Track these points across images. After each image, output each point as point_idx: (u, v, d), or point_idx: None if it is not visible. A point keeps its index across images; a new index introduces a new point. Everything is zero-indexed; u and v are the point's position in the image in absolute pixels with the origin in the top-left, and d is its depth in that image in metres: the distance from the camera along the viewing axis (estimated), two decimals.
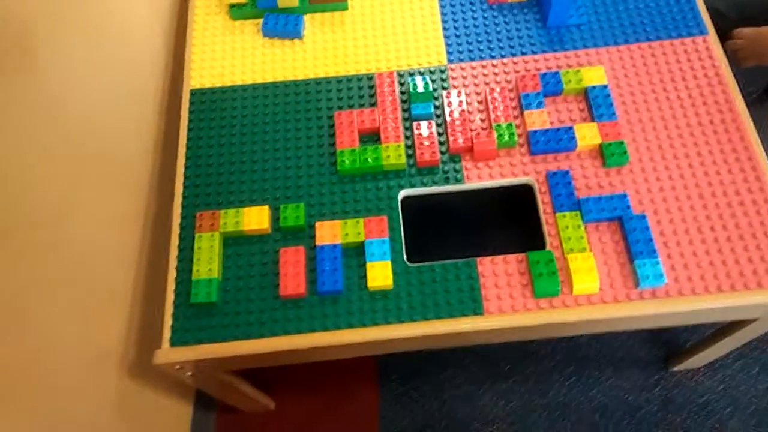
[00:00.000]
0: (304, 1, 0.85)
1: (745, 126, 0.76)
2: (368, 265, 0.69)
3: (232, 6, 0.85)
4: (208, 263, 0.70)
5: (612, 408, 1.02)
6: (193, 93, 0.82)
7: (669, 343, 1.07)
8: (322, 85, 0.82)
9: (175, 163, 0.78)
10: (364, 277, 0.69)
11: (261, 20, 0.85)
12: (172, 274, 0.71)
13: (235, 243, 0.72)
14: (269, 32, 0.84)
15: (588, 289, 0.67)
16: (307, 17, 0.86)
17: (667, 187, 0.73)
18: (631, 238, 0.69)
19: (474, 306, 0.68)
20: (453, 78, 0.81)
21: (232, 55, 0.84)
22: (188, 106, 0.81)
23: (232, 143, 0.78)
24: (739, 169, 0.73)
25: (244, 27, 0.86)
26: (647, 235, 0.69)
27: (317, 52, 0.84)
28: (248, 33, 0.86)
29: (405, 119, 0.78)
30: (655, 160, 0.74)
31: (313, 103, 0.80)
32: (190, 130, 0.79)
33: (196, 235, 0.71)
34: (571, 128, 0.75)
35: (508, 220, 0.74)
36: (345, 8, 0.86)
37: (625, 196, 0.71)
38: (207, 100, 0.81)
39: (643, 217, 0.70)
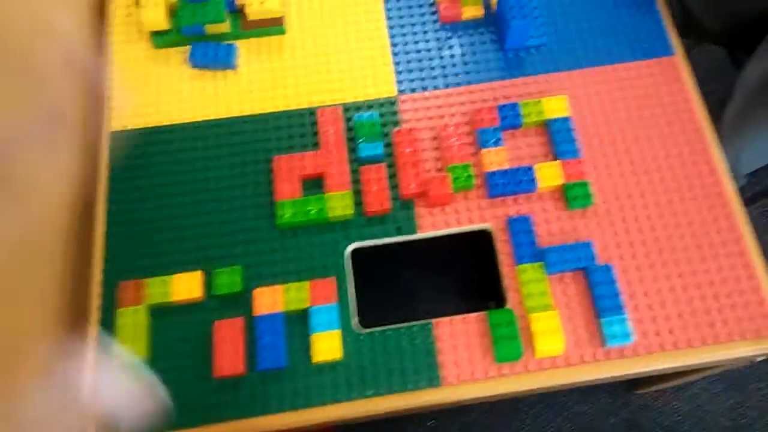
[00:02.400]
0: (236, 25, 0.76)
1: (715, 161, 0.71)
2: (313, 336, 0.63)
3: (153, 33, 0.75)
4: (133, 343, 0.62)
5: None
6: (114, 136, 0.73)
7: None
8: (259, 123, 0.73)
9: (93, 222, 0.69)
10: (310, 347, 0.63)
11: (188, 48, 0.75)
12: None
13: (164, 314, 0.65)
14: (198, 63, 0.75)
15: (552, 351, 0.63)
16: (240, 44, 0.77)
17: (633, 230, 0.68)
18: (597, 293, 0.64)
19: (431, 375, 0.62)
20: (404, 111, 0.74)
21: (157, 91, 0.75)
22: (108, 153, 0.72)
23: (158, 195, 0.70)
24: (709, 208, 0.69)
25: (170, 56, 0.77)
26: (613, 290, 0.64)
27: (253, 84, 0.75)
28: (174, 63, 0.76)
29: (352, 161, 0.71)
30: (621, 200, 0.69)
31: (249, 144, 0.72)
32: (111, 181, 0.71)
33: (118, 311, 0.63)
34: (531, 168, 0.69)
35: (468, 267, 0.68)
36: (282, 32, 0.78)
37: (589, 245, 0.66)
38: (130, 144, 0.72)
39: (609, 268, 0.65)
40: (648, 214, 0.69)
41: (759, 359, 0.67)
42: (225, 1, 0.75)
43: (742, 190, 0.96)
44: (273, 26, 0.76)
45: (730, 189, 0.70)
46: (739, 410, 1.03)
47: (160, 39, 0.76)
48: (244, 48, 0.77)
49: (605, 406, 1.02)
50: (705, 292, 0.65)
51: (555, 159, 0.70)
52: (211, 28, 0.75)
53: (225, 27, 0.75)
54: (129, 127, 0.73)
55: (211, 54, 0.74)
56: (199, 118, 0.74)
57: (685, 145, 0.72)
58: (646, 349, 0.63)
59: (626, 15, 0.79)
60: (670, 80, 0.75)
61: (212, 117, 0.74)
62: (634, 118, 0.73)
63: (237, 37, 0.77)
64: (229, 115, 0.74)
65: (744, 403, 1.04)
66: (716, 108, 0.74)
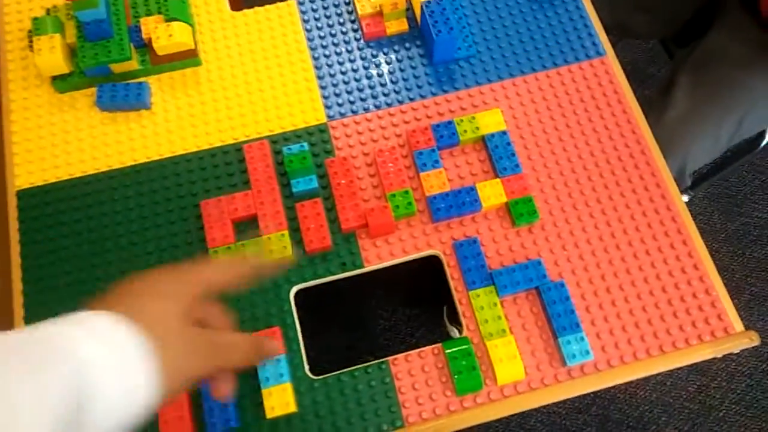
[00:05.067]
0: (146, 61, 0.71)
1: (656, 161, 0.70)
2: (264, 392, 0.58)
3: (54, 78, 0.69)
4: None
5: None
6: (20, 195, 0.66)
7: None
8: (182, 165, 0.68)
9: (11, 288, 0.63)
10: (262, 403, 0.59)
11: (95, 90, 0.69)
12: None
13: None
14: (106, 105, 0.69)
15: (513, 376, 0.60)
16: (152, 81, 0.71)
17: (582, 242, 0.66)
18: (552, 311, 0.62)
19: (392, 417, 0.59)
20: (336, 138, 0.70)
21: (65, 140, 0.69)
22: (17, 214, 0.66)
23: (76, 256, 0.64)
24: (654, 210, 0.68)
25: (75, 101, 0.70)
26: (568, 306, 0.62)
27: (170, 124, 0.70)
28: (81, 108, 0.70)
29: (287, 197, 0.67)
30: (567, 212, 0.67)
31: (173, 190, 0.67)
32: (23, 245, 0.64)
33: None
34: (473, 188, 0.66)
35: (419, 295, 0.65)
36: (198, 64, 0.72)
37: (540, 263, 0.64)
38: (40, 202, 0.66)
39: (562, 285, 0.63)
40: (594, 223, 0.67)
41: (720, 356, 0.66)
42: (130, 37, 0.69)
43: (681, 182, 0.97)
44: (186, 59, 0.71)
45: (672, 188, 0.69)
46: (704, 393, 1.04)
47: (63, 83, 0.69)
48: (156, 85, 0.72)
49: (575, 404, 1.02)
50: (658, 298, 0.64)
51: (496, 176, 0.68)
52: (118, 67, 0.69)
53: (133, 64, 0.69)
54: (37, 184, 0.67)
55: (121, 94, 0.68)
56: (115, 166, 0.68)
57: (624, 148, 0.71)
58: (607, 364, 0.62)
59: (554, 19, 0.77)
60: (604, 81, 0.74)
61: (129, 164, 0.68)
62: (572, 125, 0.72)
63: (148, 74, 0.71)
64: (147, 160, 0.68)
65: (709, 385, 1.05)
66: (642, 104, 0.73)
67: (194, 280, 0.46)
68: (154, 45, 0.68)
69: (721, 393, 1.03)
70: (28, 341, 0.35)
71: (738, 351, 0.64)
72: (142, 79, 0.71)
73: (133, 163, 0.68)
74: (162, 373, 0.39)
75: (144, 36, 0.70)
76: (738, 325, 0.63)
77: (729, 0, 0.96)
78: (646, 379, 1.02)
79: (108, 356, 0.36)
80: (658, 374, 1.05)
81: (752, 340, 0.63)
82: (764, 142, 1.04)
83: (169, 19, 0.70)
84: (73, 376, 0.34)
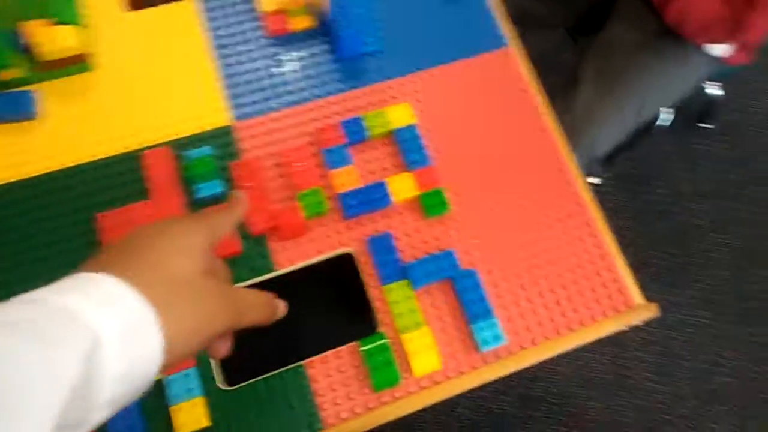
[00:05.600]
0: (31, 67, 0.66)
1: (558, 146, 0.72)
2: (173, 408, 0.57)
3: None
4: None
5: (477, 421, 1.01)
6: None
7: None
8: (75, 177, 0.64)
9: None
10: (172, 422, 0.57)
11: None
12: None
13: None
14: None
15: (429, 368, 0.61)
16: (39, 88, 0.67)
17: (491, 231, 0.68)
18: (465, 299, 0.63)
19: (310, 420, 0.59)
20: (242, 140, 0.68)
21: None
22: None
23: None
24: (558, 196, 0.70)
25: None
26: (479, 294, 0.64)
27: (61, 133, 0.66)
28: None
29: (191, 204, 0.65)
30: (476, 201, 0.69)
31: (66, 204, 0.63)
32: None
33: None
34: (383, 184, 0.67)
35: (333, 294, 0.65)
36: (88, 69, 0.69)
37: (451, 253, 0.65)
38: None
39: (473, 273, 0.64)
40: (503, 211, 0.69)
41: (626, 329, 0.70)
42: (10, 43, 0.64)
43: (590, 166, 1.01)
44: (76, 63, 0.67)
45: (575, 173, 0.72)
46: (618, 363, 1.10)
47: None
48: (45, 92, 0.67)
49: (500, 387, 1.05)
50: (565, 280, 0.67)
51: (406, 170, 0.68)
52: (2, 74, 0.64)
53: (16, 72, 0.65)
54: None
55: (5, 103, 0.64)
56: (1, 182, 0.63)
57: (529, 136, 0.73)
58: (519, 346, 0.64)
59: (458, 11, 0.78)
60: (507, 72, 0.76)
61: (15, 178, 0.63)
62: (479, 116, 0.73)
63: (38, 80, 0.67)
64: (36, 174, 0.64)
65: (622, 354, 1.11)
66: (549, 92, 0.76)
67: (204, 230, 0.41)
68: (38, 50, 0.64)
69: (634, 362, 1.09)
70: (38, 313, 0.32)
71: (640, 323, 0.68)
72: (29, 87, 0.66)
73: (19, 177, 0.64)
74: (178, 337, 0.35)
75: (27, 41, 0.65)
76: (638, 299, 0.67)
77: None
78: (564, 355, 1.06)
79: (118, 328, 0.33)
80: (574, 350, 1.10)
81: (651, 311, 0.67)
82: (661, 121, 1.10)
83: (55, 22, 0.66)
84: (86, 352, 0.31)
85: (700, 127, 1.40)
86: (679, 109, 1.21)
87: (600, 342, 1.09)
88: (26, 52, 0.66)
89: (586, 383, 1.05)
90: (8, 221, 0.62)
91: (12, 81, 0.66)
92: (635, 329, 1.14)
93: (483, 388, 1.04)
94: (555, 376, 1.06)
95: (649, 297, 0.67)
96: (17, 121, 0.65)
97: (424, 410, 0.99)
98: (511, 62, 0.77)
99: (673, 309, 1.16)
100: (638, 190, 1.28)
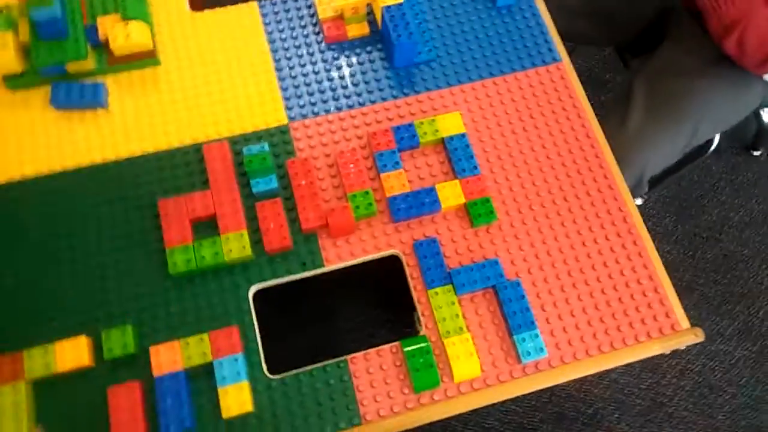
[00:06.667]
0: (103, 61, 0.70)
1: (608, 164, 0.72)
2: (221, 391, 0.58)
3: (5, 77, 0.67)
4: (15, 425, 0.55)
5: None
6: None
7: None
8: (139, 166, 0.68)
9: None
10: (219, 403, 0.58)
11: (49, 88, 0.68)
12: None
13: (49, 387, 0.58)
14: (62, 105, 0.68)
15: (470, 374, 0.62)
16: (109, 81, 0.70)
17: (537, 242, 0.68)
18: (508, 310, 0.64)
19: (350, 415, 0.60)
20: (297, 139, 0.71)
21: (17, 139, 0.67)
22: None
23: (31, 256, 0.63)
24: (607, 211, 0.70)
25: (29, 99, 0.69)
26: (524, 305, 0.64)
27: (128, 124, 0.69)
28: (35, 107, 0.69)
29: (246, 197, 0.67)
30: (523, 213, 0.69)
31: (130, 190, 0.66)
32: None
33: None
34: (432, 189, 0.68)
35: (379, 294, 0.66)
36: (157, 64, 0.72)
37: (496, 262, 0.65)
38: None
39: (518, 283, 0.65)
40: (550, 223, 0.69)
41: (668, 352, 0.69)
42: (86, 36, 0.68)
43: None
44: (145, 59, 0.70)
45: (624, 190, 0.71)
46: (655, 390, 1.08)
47: (15, 81, 0.68)
48: (114, 84, 0.71)
49: (532, 402, 1.04)
50: (610, 297, 0.66)
51: (455, 177, 0.69)
52: (73, 66, 0.68)
53: (89, 64, 0.68)
54: None
55: (76, 94, 0.67)
56: (70, 166, 0.67)
57: (579, 151, 0.73)
58: (560, 360, 0.64)
59: (511, 25, 0.79)
60: (559, 86, 0.76)
61: (85, 164, 0.67)
62: (528, 129, 0.74)
63: (105, 73, 0.70)
64: (104, 160, 0.67)
65: (659, 382, 1.09)
66: (600, 110, 0.76)
67: None
68: (111, 45, 0.67)
69: (671, 390, 1.07)
70: None
71: (684, 347, 0.67)
72: (98, 78, 0.70)
73: (89, 163, 0.67)
74: None
75: (101, 36, 0.69)
76: (684, 323, 0.66)
77: (682, 14, 1.00)
78: (600, 377, 1.05)
79: None
80: (611, 373, 1.09)
81: (697, 336, 0.66)
82: (713, 147, 1.08)
83: (127, 19, 0.70)
84: None
85: (751, 154, 1.37)
86: (730, 135, 1.19)
87: (637, 366, 1.08)
88: (100, 45, 0.70)
89: (620, 406, 1.03)
90: (76, 204, 0.65)
91: (84, 72, 0.69)
92: (675, 356, 1.12)
93: (516, 402, 1.04)
94: (590, 398, 1.04)
95: (691, 324, 0.66)
96: (88, 109, 0.69)
97: (455, 419, 0.99)
98: (564, 77, 0.77)
99: (715, 339, 1.14)
100: (684, 214, 1.26)
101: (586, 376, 1.04)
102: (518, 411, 1.02)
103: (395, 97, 0.74)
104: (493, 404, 1.02)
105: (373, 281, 0.71)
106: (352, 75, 0.75)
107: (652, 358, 1.04)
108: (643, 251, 0.68)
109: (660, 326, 0.65)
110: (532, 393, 1.02)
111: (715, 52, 0.92)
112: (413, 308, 0.65)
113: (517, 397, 1.02)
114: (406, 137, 0.70)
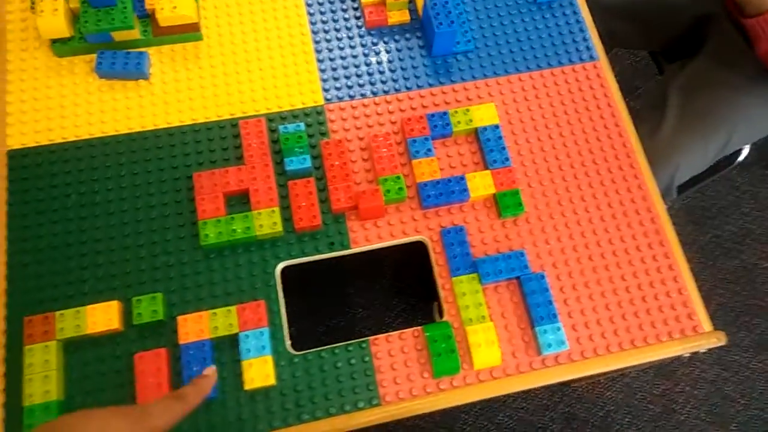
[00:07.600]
0: (147, 32, 0.71)
1: (639, 164, 0.72)
2: (244, 363, 0.59)
3: (54, 41, 0.69)
4: (43, 383, 0.57)
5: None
6: (12, 155, 0.66)
7: None
8: (176, 137, 0.69)
9: None
10: (242, 375, 0.60)
11: (94, 56, 0.69)
12: None
13: (78, 349, 0.60)
14: (106, 73, 0.69)
15: (490, 362, 0.62)
16: (152, 52, 0.72)
17: (564, 236, 0.68)
18: (531, 301, 0.64)
19: (369, 395, 0.61)
20: (332, 121, 0.71)
21: (61, 104, 0.69)
22: (6, 173, 0.66)
23: (66, 219, 0.64)
24: (635, 211, 0.70)
25: (74, 66, 0.70)
26: (547, 297, 0.64)
27: (168, 95, 0.70)
28: (79, 73, 0.70)
29: (279, 175, 0.68)
30: (551, 206, 0.70)
31: (166, 160, 0.68)
32: (10, 205, 0.64)
33: (26, 348, 0.58)
34: (463, 178, 0.68)
35: (404, 278, 0.66)
36: (198, 38, 0.73)
37: (522, 254, 0.66)
38: (31, 163, 0.66)
39: (542, 276, 0.65)
40: (577, 219, 0.69)
41: (687, 355, 0.69)
42: (133, 6, 0.69)
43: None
44: (188, 32, 0.72)
45: (654, 191, 0.71)
46: (667, 396, 1.08)
47: (62, 47, 0.69)
48: (156, 56, 0.72)
49: (543, 401, 1.04)
50: (633, 295, 0.66)
51: (486, 167, 0.70)
52: (119, 35, 0.69)
53: (134, 34, 0.70)
54: (29, 145, 0.67)
55: (120, 63, 0.68)
56: (109, 133, 0.68)
57: (610, 149, 0.73)
58: (580, 355, 0.64)
59: (551, 21, 0.79)
60: (595, 85, 0.76)
61: (124, 131, 0.68)
62: (562, 124, 0.74)
63: (149, 45, 0.71)
64: (142, 129, 0.69)
65: (672, 389, 1.09)
66: (634, 113, 0.76)
67: (127, 419, 0.45)
68: (158, 16, 0.69)
69: (684, 397, 1.06)
70: None
71: (704, 351, 0.67)
72: (142, 49, 0.71)
73: (128, 131, 0.68)
74: None
75: (148, 6, 0.70)
76: (707, 325, 0.66)
77: (723, 24, 0.99)
78: (613, 380, 1.05)
79: None
80: (625, 376, 1.09)
81: (719, 340, 0.66)
82: (740, 158, 1.08)
83: None
84: None
85: None
86: (758, 147, 1.18)
87: (652, 372, 1.08)
88: (146, 16, 0.71)
89: (631, 411, 1.03)
90: (111, 169, 0.67)
91: (129, 42, 0.70)
92: (689, 364, 1.11)
93: (528, 401, 1.05)
94: (602, 400, 1.04)
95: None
96: (130, 79, 0.70)
97: (466, 412, 1.00)
98: (600, 76, 0.77)
99: (731, 349, 1.13)
100: (706, 224, 1.25)
101: (599, 379, 1.05)
102: (529, 409, 1.02)
103: (431, 86, 0.74)
104: (504, 400, 1.03)
105: (391, 270, 0.71)
106: (389, 61, 0.75)
107: (667, 364, 1.04)
108: (670, 253, 0.68)
109: (682, 327, 0.65)
110: (544, 392, 1.03)
111: (758, 68, 0.92)
112: (432, 299, 0.65)
113: (529, 395, 1.03)
114: (440, 125, 0.70)
